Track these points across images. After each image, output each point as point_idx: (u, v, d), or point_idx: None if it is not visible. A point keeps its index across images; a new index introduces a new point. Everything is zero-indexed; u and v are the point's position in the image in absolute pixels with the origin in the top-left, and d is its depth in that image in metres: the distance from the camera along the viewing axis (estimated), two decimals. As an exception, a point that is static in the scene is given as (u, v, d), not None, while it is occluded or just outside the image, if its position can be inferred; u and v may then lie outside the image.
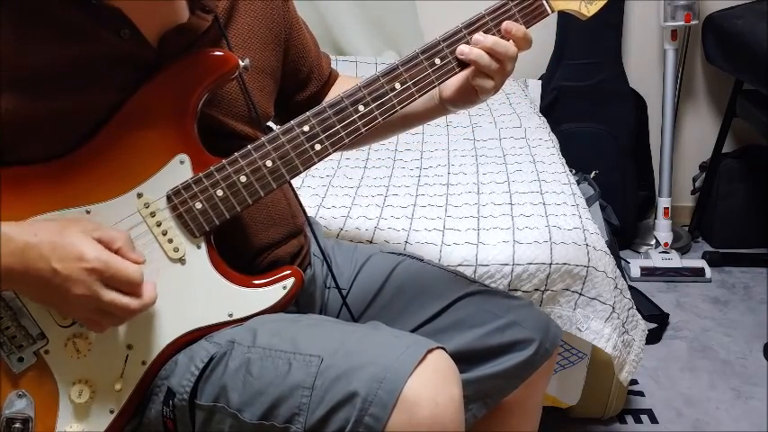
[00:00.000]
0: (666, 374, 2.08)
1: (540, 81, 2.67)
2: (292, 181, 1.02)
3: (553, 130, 2.20)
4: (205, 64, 0.95)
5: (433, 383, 0.87)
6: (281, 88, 1.15)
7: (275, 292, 0.99)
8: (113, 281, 0.85)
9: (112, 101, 0.93)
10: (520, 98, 2.42)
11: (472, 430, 1.11)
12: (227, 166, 0.95)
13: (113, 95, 0.93)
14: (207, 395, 0.93)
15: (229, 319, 0.98)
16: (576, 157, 2.19)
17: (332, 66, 1.28)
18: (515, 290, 1.46)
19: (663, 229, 2.65)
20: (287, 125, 0.97)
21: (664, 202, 2.66)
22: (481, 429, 1.16)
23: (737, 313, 2.38)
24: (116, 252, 0.87)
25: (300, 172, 0.98)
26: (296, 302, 1.07)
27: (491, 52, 0.99)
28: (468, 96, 1.06)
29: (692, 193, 2.85)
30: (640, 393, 2.00)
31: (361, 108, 0.98)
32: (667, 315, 2.32)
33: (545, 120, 2.25)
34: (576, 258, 1.47)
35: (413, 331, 1.10)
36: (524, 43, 1.01)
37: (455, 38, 1.00)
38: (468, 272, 1.44)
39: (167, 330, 0.96)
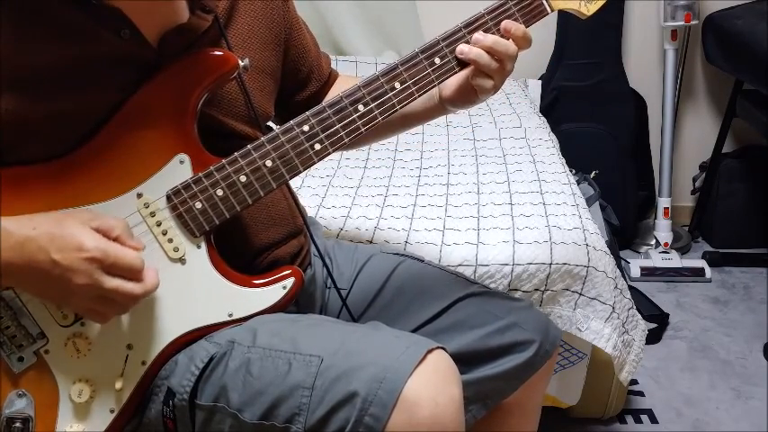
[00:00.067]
0: (666, 374, 2.08)
1: (540, 81, 2.67)
2: (293, 181, 1.02)
3: (553, 130, 2.20)
4: (205, 64, 0.95)
5: (433, 383, 0.87)
6: (280, 88, 1.15)
7: (275, 292, 0.99)
8: (114, 268, 0.85)
9: (112, 101, 0.93)
10: (520, 98, 2.42)
11: (472, 431, 1.11)
12: (227, 166, 0.95)
13: (113, 95, 0.93)
14: (207, 395, 0.93)
15: (229, 318, 0.98)
16: (576, 157, 2.19)
17: (332, 66, 1.28)
18: (515, 290, 1.46)
19: (663, 229, 2.65)
20: (287, 125, 0.97)
21: (664, 202, 2.66)
22: (481, 430, 1.16)
23: (737, 313, 2.38)
24: (115, 240, 0.87)
25: (300, 172, 0.98)
26: (296, 302, 1.07)
27: (491, 51, 0.99)
28: (467, 96, 1.06)
29: (692, 193, 2.85)
30: (640, 393, 2.00)
31: (360, 108, 0.98)
32: (667, 315, 2.32)
33: (545, 120, 2.25)
34: (576, 258, 1.47)
35: (413, 332, 1.10)
36: (524, 42, 1.01)
37: (455, 37, 1.00)
38: (468, 272, 1.44)
39: (167, 330, 0.96)
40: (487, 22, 1.00)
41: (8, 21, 0.86)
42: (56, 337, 0.93)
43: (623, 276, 1.72)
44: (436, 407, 0.85)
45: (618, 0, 2.60)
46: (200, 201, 0.95)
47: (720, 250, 2.71)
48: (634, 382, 2.03)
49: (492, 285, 1.44)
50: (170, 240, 0.95)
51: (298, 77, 1.19)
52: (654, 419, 1.90)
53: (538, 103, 2.60)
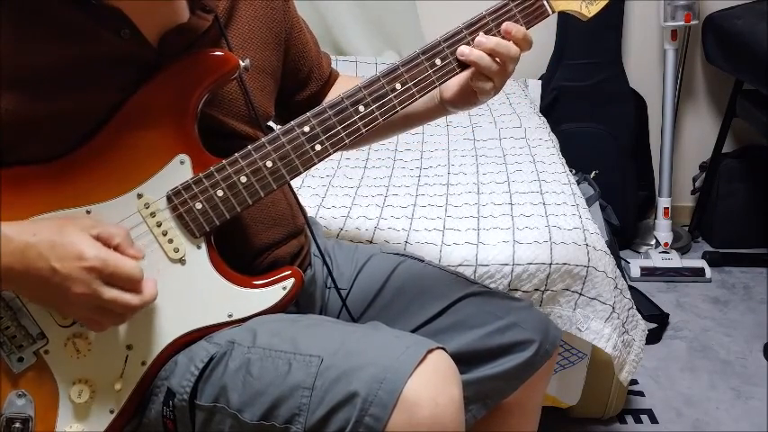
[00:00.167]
0: (666, 374, 2.08)
1: (540, 81, 2.67)
2: (293, 181, 1.02)
3: (553, 130, 2.20)
4: (205, 64, 0.95)
5: (433, 384, 0.87)
6: (281, 88, 1.15)
7: (275, 292, 0.99)
8: (113, 278, 0.85)
9: (112, 101, 0.93)
10: (520, 98, 2.42)
11: (472, 431, 1.11)
12: (228, 167, 0.95)
13: (113, 95, 0.93)
14: (207, 395, 0.93)
15: (229, 319, 0.98)
16: (576, 157, 2.19)
17: (332, 66, 1.28)
18: (515, 290, 1.46)
19: (663, 229, 2.65)
20: (287, 126, 0.97)
21: (664, 202, 2.66)
22: (481, 430, 1.16)
23: (737, 313, 2.38)
24: (115, 248, 0.87)
25: (301, 172, 0.98)
26: (296, 303, 1.07)
27: (493, 53, 0.99)
28: (468, 97, 1.06)
29: (692, 193, 2.85)
30: (640, 393, 2.00)
31: (361, 108, 0.98)
32: (667, 315, 2.32)
33: (545, 120, 2.25)
34: (576, 258, 1.47)
35: (413, 332, 1.10)
36: (525, 44, 1.01)
37: (456, 38, 1.00)
38: (468, 272, 1.44)
39: (167, 330, 0.96)
40: (489, 23, 1.00)
41: (8, 21, 0.86)
42: (56, 337, 0.93)
43: (623, 276, 1.72)
44: (436, 407, 0.85)
45: (618, 0, 2.60)
46: (201, 201, 0.95)
47: (720, 250, 2.71)
48: (634, 382, 2.03)
49: (492, 285, 1.44)
50: (170, 241, 0.95)
51: (298, 77, 1.19)
52: (654, 419, 1.90)
53: (538, 103, 2.60)
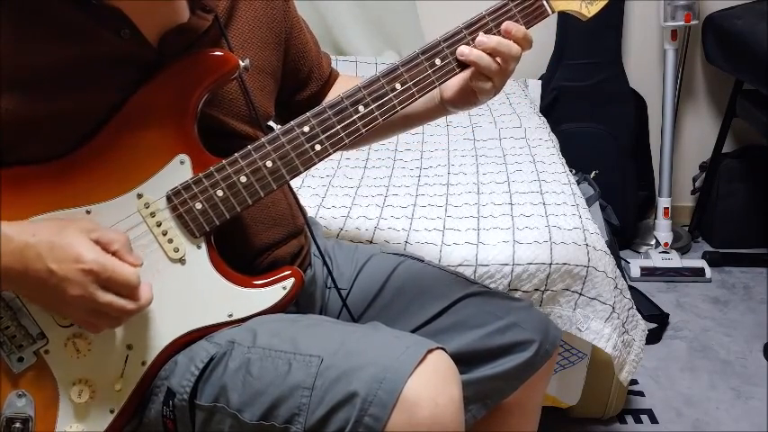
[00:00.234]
0: (666, 374, 2.08)
1: (540, 81, 2.67)
2: (293, 181, 1.02)
3: (553, 130, 2.20)
4: (205, 64, 0.95)
5: (432, 384, 0.87)
6: (281, 87, 1.15)
7: (275, 292, 0.99)
8: (109, 283, 0.85)
9: (112, 101, 0.93)
10: (520, 98, 2.42)
11: (472, 431, 1.11)
12: (227, 167, 0.95)
13: (113, 95, 0.93)
14: (207, 395, 0.93)
15: (229, 319, 0.98)
16: (576, 157, 2.19)
17: (332, 66, 1.28)
18: (515, 290, 1.46)
19: (663, 229, 2.65)
20: (287, 126, 0.97)
21: (664, 202, 2.66)
22: (481, 430, 1.16)
23: (737, 313, 2.38)
24: (113, 254, 0.87)
25: (300, 172, 0.98)
26: (296, 303, 1.07)
27: (494, 53, 0.99)
28: (468, 97, 1.06)
29: (692, 193, 2.85)
30: (640, 393, 2.00)
31: (361, 109, 0.98)
32: (667, 315, 2.32)
33: (545, 120, 2.25)
34: (576, 258, 1.47)
35: (413, 332, 1.10)
36: (525, 43, 1.01)
37: (455, 38, 1.00)
38: (468, 272, 1.44)
39: (167, 330, 0.96)
40: (488, 23, 1.00)
41: (8, 21, 0.86)
42: (56, 337, 0.93)
43: (623, 276, 1.72)
44: (436, 407, 0.85)
45: (618, 0, 2.60)
46: (201, 201, 0.95)
47: (720, 250, 2.71)
48: (634, 382, 2.03)
49: (492, 285, 1.44)
50: (170, 241, 0.95)
51: (298, 77, 1.19)
52: (654, 419, 1.90)
53: (538, 103, 2.60)
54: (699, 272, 2.55)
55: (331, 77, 1.26)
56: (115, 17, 0.91)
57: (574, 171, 2.07)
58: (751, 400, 1.97)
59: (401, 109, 1.00)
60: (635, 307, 1.62)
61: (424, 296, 1.15)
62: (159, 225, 0.95)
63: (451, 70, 1.01)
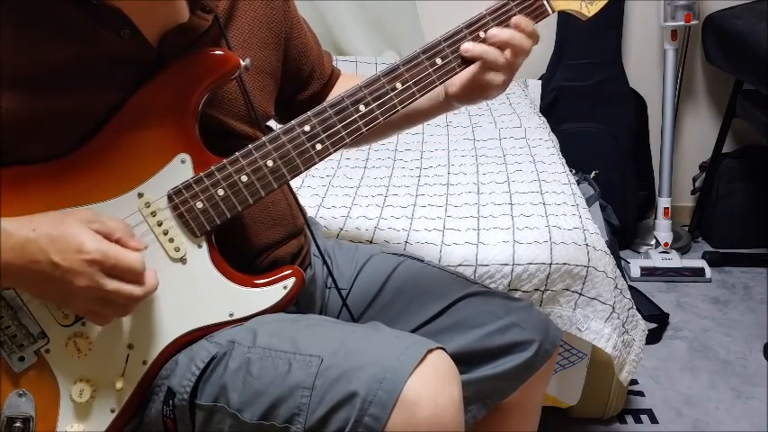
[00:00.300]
0: (666, 374, 2.08)
1: (540, 81, 2.67)
2: (293, 181, 1.02)
3: (553, 130, 2.20)
4: (206, 64, 0.95)
5: (432, 384, 0.87)
6: (283, 87, 1.15)
7: (276, 291, 0.99)
8: (115, 270, 0.85)
9: (113, 101, 0.93)
10: (520, 98, 2.42)
11: (472, 431, 1.11)
12: (228, 166, 0.95)
13: (114, 95, 0.93)
14: (207, 395, 0.93)
15: (230, 318, 0.98)
16: (576, 157, 2.19)
17: (333, 64, 1.28)
18: (515, 290, 1.46)
19: (663, 229, 2.65)
20: (288, 125, 0.97)
21: (664, 202, 2.66)
22: (481, 430, 1.16)
23: (737, 313, 2.38)
24: (116, 242, 0.87)
25: (301, 172, 0.98)
26: (296, 302, 1.07)
27: (505, 45, 1.00)
28: (472, 93, 1.06)
29: (692, 193, 2.85)
30: (640, 393, 2.00)
31: (362, 108, 0.98)
32: (667, 315, 2.32)
33: (545, 120, 2.25)
34: (576, 258, 1.47)
35: (413, 332, 1.10)
36: (533, 38, 1.02)
37: (456, 38, 1.00)
38: (468, 272, 1.44)
39: (168, 330, 0.96)
40: (489, 22, 1.01)
41: (8, 20, 0.86)
42: (57, 336, 0.93)
43: (623, 276, 1.72)
44: (436, 407, 0.85)
45: (618, 0, 2.60)
46: (202, 200, 0.95)
47: (720, 250, 2.71)
48: (634, 382, 2.03)
49: (492, 285, 1.44)
50: (171, 240, 0.95)
51: (300, 77, 1.19)
52: (654, 419, 1.90)
53: (538, 103, 2.60)
54: (699, 272, 2.56)
55: (332, 76, 1.26)
56: (115, 17, 0.91)
57: (574, 171, 2.07)
58: (751, 400, 1.97)
59: (402, 108, 1.00)
60: (635, 307, 1.62)
61: (423, 296, 1.15)
62: (160, 224, 0.95)
63: (452, 69, 1.01)
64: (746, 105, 2.52)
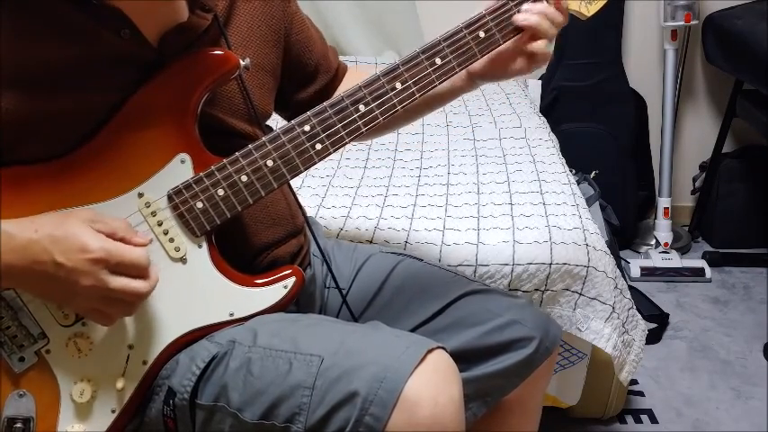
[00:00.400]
0: (666, 374, 2.08)
1: (540, 81, 2.67)
2: (293, 181, 1.02)
3: (553, 130, 2.20)
4: (205, 63, 0.95)
5: (433, 383, 0.87)
6: (289, 83, 1.15)
7: (276, 291, 0.99)
8: (120, 267, 0.85)
9: (113, 101, 0.93)
10: (520, 98, 2.42)
11: (473, 429, 1.11)
12: (228, 166, 0.95)
13: (113, 95, 0.93)
14: (207, 395, 0.93)
15: (230, 318, 0.98)
16: (576, 157, 2.19)
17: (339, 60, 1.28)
18: (515, 290, 1.46)
19: (663, 229, 2.65)
20: (287, 125, 0.97)
21: (664, 202, 2.66)
22: (482, 429, 1.16)
23: (737, 313, 2.38)
24: (119, 240, 0.87)
25: (301, 171, 0.98)
26: (296, 302, 1.07)
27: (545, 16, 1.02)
28: (495, 69, 1.08)
29: (692, 193, 2.85)
30: (640, 393, 2.00)
31: (361, 108, 0.98)
32: (667, 315, 2.32)
33: (545, 120, 2.25)
34: (576, 258, 1.47)
35: (412, 330, 1.10)
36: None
37: (455, 37, 1.00)
38: (468, 272, 1.44)
39: (168, 330, 0.96)
40: (488, 22, 1.01)
41: (8, 20, 0.86)
42: (57, 336, 0.93)
43: (623, 276, 1.72)
44: (436, 406, 0.85)
45: (618, 0, 2.60)
46: (202, 200, 0.95)
47: (720, 250, 2.71)
48: (634, 382, 2.03)
49: (492, 285, 1.44)
50: (171, 240, 0.95)
51: (305, 71, 1.19)
52: (654, 419, 1.90)
53: (538, 103, 2.60)
54: (699, 272, 2.56)
55: (339, 71, 1.25)
56: (115, 17, 0.91)
57: (574, 171, 2.07)
58: (751, 400, 1.97)
59: (401, 108, 1.00)
60: (635, 307, 1.62)
61: (423, 295, 1.15)
62: (160, 224, 0.95)
63: (451, 69, 1.01)
64: (746, 105, 2.52)
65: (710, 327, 2.31)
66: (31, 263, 0.84)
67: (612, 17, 2.61)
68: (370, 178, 1.83)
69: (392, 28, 2.66)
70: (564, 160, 1.94)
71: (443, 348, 0.92)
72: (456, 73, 1.02)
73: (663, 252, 2.63)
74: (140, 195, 0.94)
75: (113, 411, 0.95)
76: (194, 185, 0.95)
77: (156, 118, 0.94)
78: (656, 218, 2.70)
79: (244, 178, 0.96)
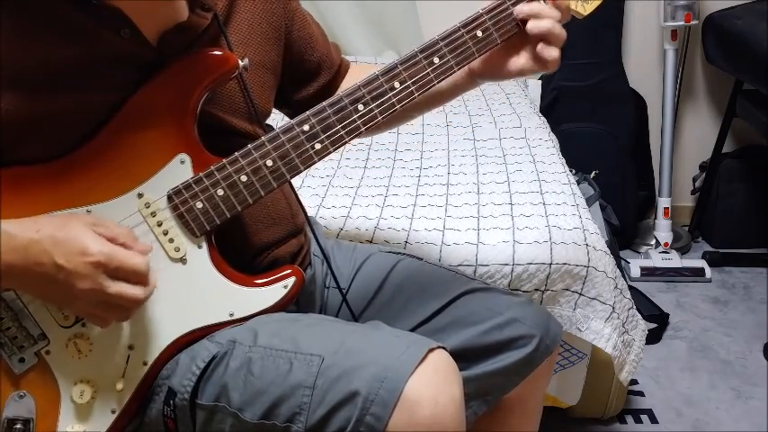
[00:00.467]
0: (666, 374, 2.08)
1: (540, 81, 2.67)
2: (292, 181, 1.02)
3: (553, 130, 2.20)
4: (205, 63, 0.95)
5: (433, 383, 0.87)
6: (291, 80, 1.15)
7: (276, 291, 0.99)
8: (119, 272, 0.85)
9: (112, 101, 0.93)
10: (520, 98, 2.42)
11: (473, 429, 1.11)
12: (228, 166, 0.95)
13: (113, 95, 0.93)
14: (208, 395, 0.93)
15: (230, 318, 0.98)
16: (576, 157, 2.19)
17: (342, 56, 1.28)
18: (515, 290, 1.46)
19: (663, 229, 2.65)
20: (287, 124, 0.97)
21: (664, 202, 2.66)
22: (482, 428, 1.16)
23: (737, 313, 2.38)
24: (121, 246, 0.87)
25: (301, 171, 0.98)
26: (296, 302, 1.07)
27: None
28: (493, 69, 1.07)
29: (692, 193, 2.85)
30: (640, 393, 2.00)
31: (360, 107, 0.98)
32: (667, 315, 2.32)
33: (545, 120, 2.25)
34: (576, 258, 1.47)
35: (413, 330, 1.10)
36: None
37: (453, 37, 1.00)
38: (468, 272, 1.44)
39: (168, 330, 0.96)
40: (486, 21, 1.01)
41: (8, 20, 0.86)
42: (57, 338, 0.93)
43: (623, 276, 1.72)
44: (437, 406, 0.85)
45: (618, 0, 2.60)
46: (201, 200, 0.95)
47: (720, 250, 2.71)
48: (634, 382, 2.03)
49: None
50: (171, 240, 0.95)
51: (308, 68, 1.19)
52: (654, 419, 1.90)
53: (538, 103, 2.60)
54: (699, 272, 2.56)
55: (342, 68, 1.25)
56: (115, 17, 0.91)
57: (574, 171, 2.07)
58: (751, 400, 1.97)
59: (400, 107, 1.00)
60: (635, 307, 1.62)
61: (423, 294, 1.15)
62: (160, 225, 0.95)
63: (450, 68, 1.01)
64: (746, 105, 2.52)
65: (710, 327, 2.31)
66: (32, 263, 0.84)
67: (612, 17, 2.60)
68: (370, 178, 1.83)
69: (392, 28, 2.66)
70: (564, 160, 1.94)
71: (444, 348, 0.92)
72: (454, 72, 1.02)
73: (663, 252, 2.63)
74: (140, 196, 0.94)
75: (113, 412, 0.95)
76: (194, 185, 0.95)
77: (155, 118, 0.94)
78: (656, 218, 2.70)
79: (243, 178, 0.96)
